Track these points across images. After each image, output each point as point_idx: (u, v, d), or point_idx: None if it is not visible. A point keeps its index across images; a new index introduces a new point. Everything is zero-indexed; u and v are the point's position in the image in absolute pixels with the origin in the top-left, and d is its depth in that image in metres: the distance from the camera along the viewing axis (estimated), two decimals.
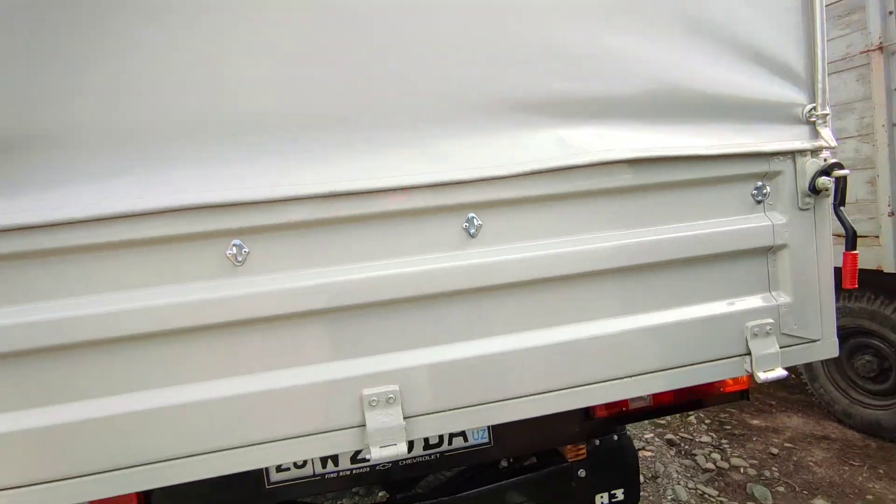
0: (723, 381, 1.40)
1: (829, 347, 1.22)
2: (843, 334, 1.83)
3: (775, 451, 2.86)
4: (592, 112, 1.07)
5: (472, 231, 1.02)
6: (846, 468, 2.62)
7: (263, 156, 0.93)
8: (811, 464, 2.68)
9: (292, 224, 0.93)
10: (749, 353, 1.15)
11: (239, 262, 0.93)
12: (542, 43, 1.01)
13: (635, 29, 1.05)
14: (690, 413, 3.39)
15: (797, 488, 2.52)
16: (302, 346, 0.96)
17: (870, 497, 2.38)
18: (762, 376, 1.14)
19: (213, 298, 0.92)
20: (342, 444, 0.97)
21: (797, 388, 3.61)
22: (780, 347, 1.16)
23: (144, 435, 0.94)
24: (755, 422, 3.22)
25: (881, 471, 2.55)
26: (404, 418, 0.97)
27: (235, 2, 0.91)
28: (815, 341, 1.20)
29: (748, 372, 1.16)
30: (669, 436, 3.12)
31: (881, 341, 2.77)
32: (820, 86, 1.14)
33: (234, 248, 0.92)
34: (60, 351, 0.91)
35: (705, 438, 3.06)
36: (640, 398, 1.39)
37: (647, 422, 3.18)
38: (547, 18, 1.00)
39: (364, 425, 0.96)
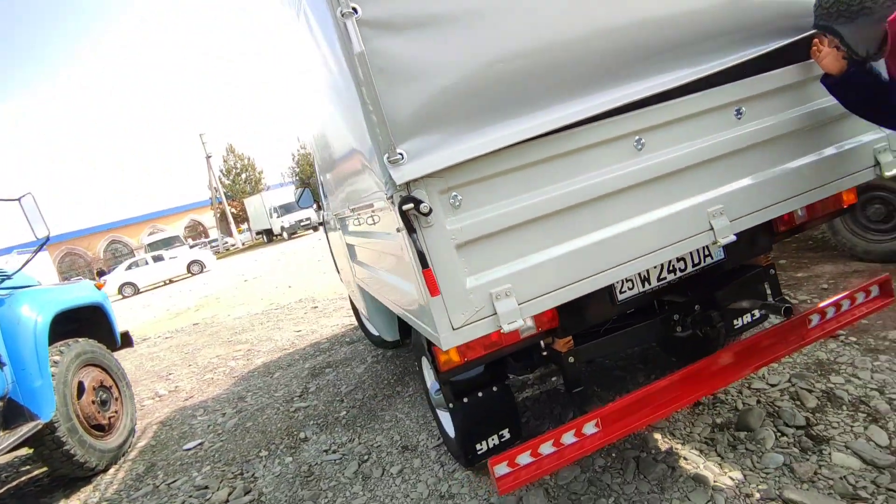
0: (846, 197, 2.24)
1: None
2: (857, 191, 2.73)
3: (825, 286, 3.83)
4: None
5: (740, 116, 1.80)
6: None
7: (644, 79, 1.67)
8: None
9: (667, 122, 1.69)
10: (877, 164, 2.00)
11: (639, 149, 1.68)
12: None
13: None
14: None
15: None
16: (676, 190, 1.73)
17: None
18: (888, 173, 1.99)
19: (629, 171, 1.67)
20: (702, 241, 1.76)
21: (820, 245, 4.64)
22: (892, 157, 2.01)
23: (592, 257, 1.67)
24: (799, 274, 4.19)
25: None
26: (729, 221, 1.76)
27: None
28: None
29: (878, 175, 2.01)
30: None
31: (886, 192, 3.76)
32: None
33: (636, 141, 1.67)
34: (540, 218, 1.62)
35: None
36: (800, 215, 2.23)
37: None
38: None
39: (712, 229, 1.75)
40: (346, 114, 1.65)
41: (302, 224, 28.88)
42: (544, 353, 2.07)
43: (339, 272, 5.09)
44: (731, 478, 2.20)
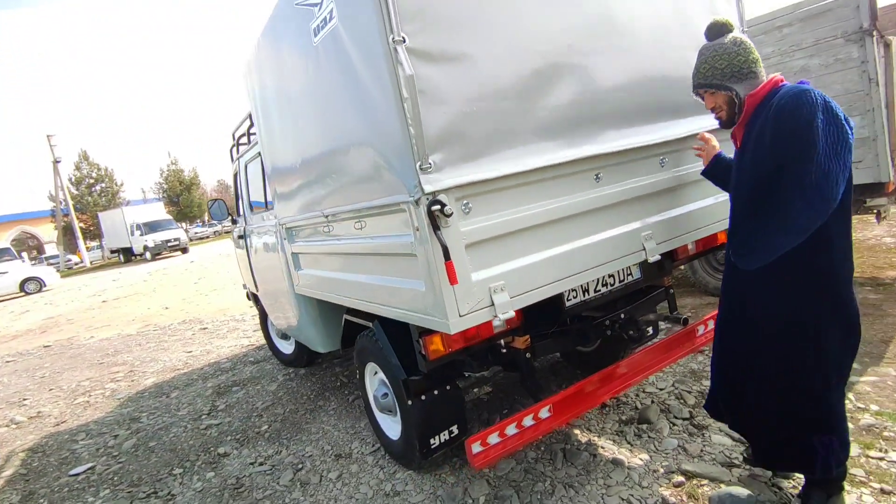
0: (721, 237, 2.92)
1: None
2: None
3: (689, 314, 4.67)
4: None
5: (663, 165, 2.35)
6: None
7: (604, 131, 2.12)
8: None
9: (621, 161, 2.15)
10: None
11: (598, 181, 2.12)
12: None
13: None
14: None
15: None
16: (619, 216, 2.18)
17: None
18: None
19: (589, 198, 2.10)
20: (637, 258, 2.23)
21: (682, 282, 5.61)
22: None
23: (550, 268, 2.06)
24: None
25: None
26: (656, 244, 2.26)
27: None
28: None
29: None
30: None
31: None
32: None
33: (595, 176, 2.11)
34: (553, 221, 1.98)
35: None
36: (691, 247, 2.84)
37: None
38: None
39: (644, 249, 2.23)
40: (367, 127, 1.86)
41: (169, 244, 26.40)
42: (504, 351, 2.38)
43: (254, 288, 4.97)
44: (640, 459, 2.66)
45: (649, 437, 2.85)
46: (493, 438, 2.09)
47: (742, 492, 2.25)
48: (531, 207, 1.94)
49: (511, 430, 2.13)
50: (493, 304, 1.81)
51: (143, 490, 3.23)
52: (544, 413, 2.22)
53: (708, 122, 2.51)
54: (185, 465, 3.47)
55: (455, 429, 2.68)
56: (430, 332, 2.01)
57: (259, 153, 3.87)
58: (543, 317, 2.33)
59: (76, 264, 33.21)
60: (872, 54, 3.70)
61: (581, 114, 2.06)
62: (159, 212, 29.30)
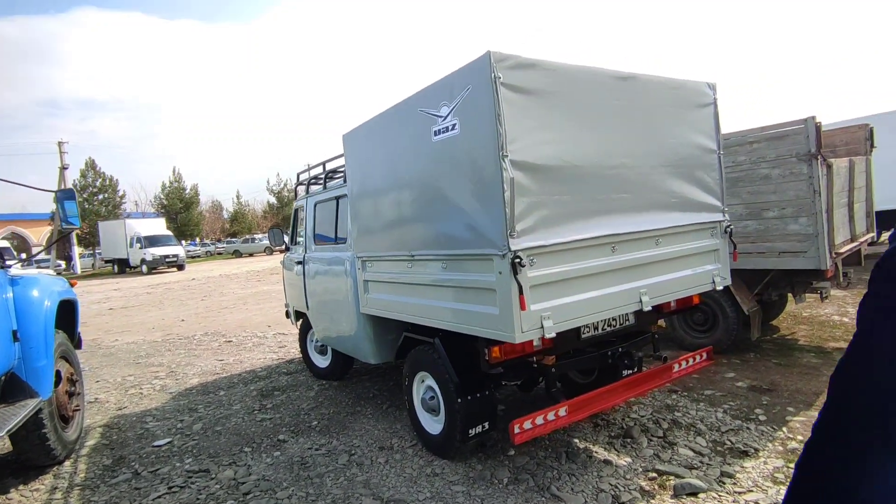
0: (696, 299, 3.91)
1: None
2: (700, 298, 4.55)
3: (667, 355, 5.60)
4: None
5: (658, 244, 3.35)
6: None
7: (619, 219, 3.12)
8: None
9: (629, 240, 3.14)
10: (713, 282, 3.68)
11: (615, 251, 3.10)
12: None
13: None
14: None
15: None
16: (625, 277, 3.15)
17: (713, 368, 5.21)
18: (719, 287, 3.68)
19: (608, 262, 3.07)
20: (635, 307, 3.18)
21: (662, 338, 6.56)
22: (721, 279, 3.72)
23: (586, 306, 3.00)
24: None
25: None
26: (649, 298, 3.23)
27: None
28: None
29: (713, 288, 3.69)
30: None
31: (706, 306, 5.78)
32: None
33: (612, 248, 3.09)
34: (583, 276, 2.94)
35: None
36: (673, 305, 3.81)
37: None
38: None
39: (640, 301, 3.19)
40: (469, 203, 2.82)
41: (167, 260, 26.91)
42: (535, 366, 3.29)
43: (303, 307, 5.79)
44: (624, 461, 3.53)
45: (632, 447, 3.72)
46: (528, 424, 2.96)
47: (699, 483, 3.13)
48: (570, 265, 2.90)
49: (539, 420, 3.01)
50: (542, 327, 2.74)
51: (223, 461, 3.97)
52: (562, 412, 3.10)
53: (688, 217, 3.55)
54: (252, 446, 4.22)
55: (487, 425, 3.53)
56: (493, 343, 2.92)
57: (336, 198, 4.83)
58: (565, 344, 3.26)
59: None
60: (817, 172, 4.84)
61: (605, 207, 3.06)
62: (161, 227, 29.89)
